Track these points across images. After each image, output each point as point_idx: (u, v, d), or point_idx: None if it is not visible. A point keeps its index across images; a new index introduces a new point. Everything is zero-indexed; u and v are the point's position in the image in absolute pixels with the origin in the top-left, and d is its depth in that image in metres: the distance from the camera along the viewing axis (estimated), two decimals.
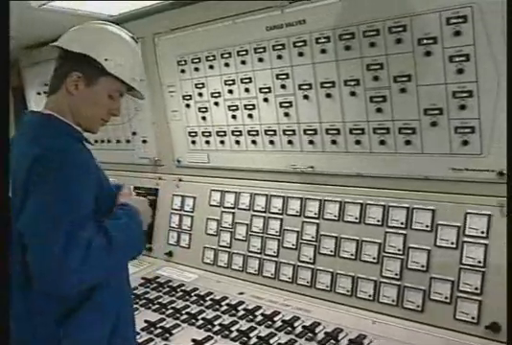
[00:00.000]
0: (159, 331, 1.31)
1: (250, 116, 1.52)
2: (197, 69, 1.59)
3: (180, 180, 1.78)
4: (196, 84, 1.61)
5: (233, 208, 1.61)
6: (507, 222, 0.88)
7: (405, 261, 1.26)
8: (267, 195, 1.54)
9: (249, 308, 1.36)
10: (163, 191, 1.82)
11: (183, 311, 1.40)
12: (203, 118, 1.65)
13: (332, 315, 1.29)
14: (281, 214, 1.50)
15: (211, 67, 1.55)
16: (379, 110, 1.26)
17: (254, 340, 1.22)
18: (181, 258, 1.72)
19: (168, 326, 1.33)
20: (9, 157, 0.64)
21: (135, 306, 1.46)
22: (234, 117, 1.56)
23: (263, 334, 1.23)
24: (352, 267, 1.34)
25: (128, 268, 0.99)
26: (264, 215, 1.53)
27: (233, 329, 1.28)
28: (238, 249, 1.58)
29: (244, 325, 1.30)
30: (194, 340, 1.23)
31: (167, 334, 1.30)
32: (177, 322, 1.36)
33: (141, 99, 1.02)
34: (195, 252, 1.69)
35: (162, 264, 1.74)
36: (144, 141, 1.87)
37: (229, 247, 1.61)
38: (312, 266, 1.42)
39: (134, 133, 1.89)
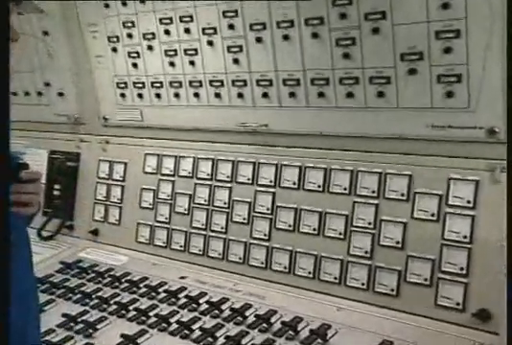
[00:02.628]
0: (81, 326, 1.21)
1: (192, 63, 1.41)
2: (124, 4, 1.44)
3: (107, 142, 1.66)
4: (124, 23, 1.47)
5: (172, 175, 1.52)
6: (507, 223, 0.78)
7: (376, 236, 1.19)
8: (212, 159, 1.45)
9: (192, 295, 1.28)
10: (86, 156, 1.70)
11: (111, 301, 1.30)
12: (134, 65, 1.51)
13: (290, 302, 1.22)
14: (230, 182, 1.42)
15: (142, 1, 1.41)
16: (346, 56, 1.17)
17: (197, 333, 1.13)
18: (110, 237, 1.62)
19: (92, 320, 1.23)
20: (9, 155, 0.55)
21: (50, 297, 1.35)
22: (172, 64, 1.44)
23: (208, 326, 1.15)
24: (314, 245, 1.27)
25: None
26: (209, 183, 1.45)
27: (172, 320, 1.19)
28: (178, 225, 1.49)
29: (185, 315, 1.22)
30: (123, 336, 1.13)
31: (90, 330, 1.19)
32: (104, 314, 1.26)
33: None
34: (126, 230, 1.59)
35: (86, 244, 1.64)
36: (60, 94, 1.70)
37: (168, 223, 1.52)
38: (266, 244, 1.34)
39: (48, 84, 1.71)
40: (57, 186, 1.71)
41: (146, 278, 1.40)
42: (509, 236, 0.67)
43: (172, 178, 1.52)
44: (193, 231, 1.47)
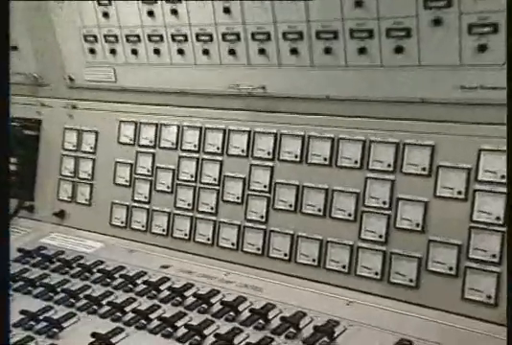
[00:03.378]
0: (43, 325, 1.19)
1: (174, 12, 1.37)
2: None
3: (74, 107, 1.64)
4: None
5: (152, 147, 1.51)
6: (507, 224, 0.83)
7: (392, 218, 1.18)
8: (200, 127, 1.44)
9: (177, 286, 1.27)
10: (49, 123, 1.68)
11: (81, 295, 1.29)
12: (105, 14, 1.48)
13: (291, 295, 1.21)
14: (220, 154, 1.40)
15: None
16: (358, 4, 1.14)
17: (183, 331, 1.12)
18: (79, 220, 1.62)
19: (56, 317, 1.21)
20: (9, 153, 0.55)
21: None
22: (151, 14, 1.40)
23: (195, 323, 1.14)
24: (319, 228, 1.26)
25: None
26: (196, 156, 1.44)
27: (153, 316, 1.18)
28: (160, 205, 1.49)
29: (168, 310, 1.21)
30: (95, 335, 1.12)
31: (54, 329, 1.18)
32: (71, 310, 1.24)
33: None
34: (98, 211, 1.59)
35: (49, 228, 1.63)
36: (14, 48, 1.64)
37: (148, 203, 1.51)
38: (263, 227, 1.34)
39: None
40: (13, 159, 1.68)
41: (122, 267, 1.40)
42: (509, 235, 0.68)
43: (152, 150, 1.51)
44: (177, 212, 1.47)
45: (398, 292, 1.17)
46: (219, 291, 1.26)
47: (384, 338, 1.05)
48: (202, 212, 1.43)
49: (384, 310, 1.15)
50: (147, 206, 1.52)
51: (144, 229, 1.52)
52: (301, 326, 1.11)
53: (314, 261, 1.27)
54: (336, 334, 1.07)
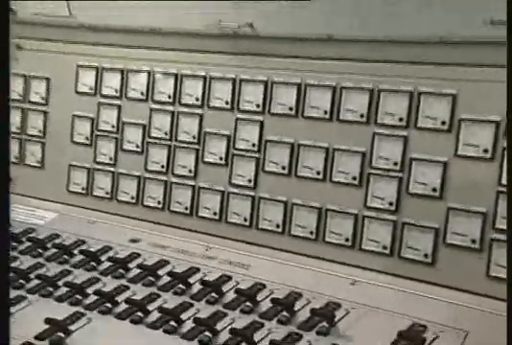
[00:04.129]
0: None
1: None
2: None
3: (20, 48, 1.61)
4: None
5: (118, 98, 1.49)
6: (507, 226, 0.86)
7: (404, 181, 1.17)
8: (175, 74, 1.42)
9: (148, 264, 1.26)
10: None
11: (32, 275, 1.28)
12: None
13: (284, 273, 1.21)
14: (200, 107, 1.39)
15: None
16: None
17: (155, 316, 1.11)
18: (28, 185, 1.60)
19: None
20: (9, 152, 0.63)
21: None
22: None
23: (170, 306, 1.13)
24: (317, 194, 1.25)
25: None
26: (171, 109, 1.43)
27: (120, 299, 1.17)
28: (128, 168, 1.48)
29: (139, 292, 1.20)
30: (49, 321, 1.10)
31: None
32: (21, 293, 1.23)
33: None
34: (53, 175, 1.58)
35: None
36: None
37: (113, 165, 1.50)
38: (251, 194, 1.33)
39: None
40: None
41: (82, 242, 1.39)
42: (509, 235, 0.76)
43: (117, 102, 1.50)
44: (148, 176, 1.46)
45: (411, 270, 1.17)
46: (198, 269, 1.25)
47: (394, 323, 1.04)
48: (178, 176, 1.42)
49: (395, 291, 1.14)
50: (111, 169, 1.51)
51: (108, 196, 1.51)
52: (296, 309, 1.10)
53: (311, 233, 1.27)
54: (336, 319, 1.06)
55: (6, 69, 0.49)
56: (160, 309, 1.12)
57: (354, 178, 1.22)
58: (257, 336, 1.03)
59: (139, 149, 1.47)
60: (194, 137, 1.40)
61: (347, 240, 1.23)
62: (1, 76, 0.49)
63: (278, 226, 1.30)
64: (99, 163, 1.53)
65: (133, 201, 1.48)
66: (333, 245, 1.24)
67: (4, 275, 0.52)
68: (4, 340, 0.52)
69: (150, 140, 1.46)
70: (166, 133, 1.43)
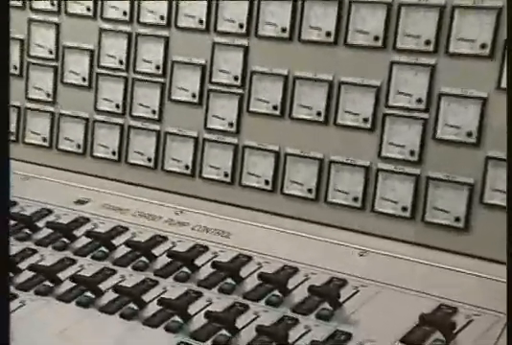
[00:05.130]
0: None
1: None
2: None
3: None
4: None
5: (56, 13, 1.48)
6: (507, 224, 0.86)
7: (430, 123, 1.15)
8: None
9: (100, 231, 1.26)
10: None
11: None
12: None
13: (274, 242, 1.21)
14: (165, 27, 1.37)
15: None
16: None
17: (110, 297, 1.10)
18: None
19: None
20: (9, 151, 0.69)
21: None
22: None
23: (130, 284, 1.12)
24: (318, 141, 1.25)
25: None
26: (127, 29, 1.41)
27: (63, 276, 1.16)
28: (71, 108, 1.47)
29: (88, 267, 1.19)
30: None
31: None
32: None
33: None
34: None
35: None
36: None
37: (51, 103, 1.50)
38: (233, 141, 1.32)
39: None
40: None
41: (13, 203, 1.37)
42: (509, 235, 0.83)
43: (54, 19, 1.48)
44: (98, 118, 1.45)
45: (437, 237, 1.16)
46: (165, 238, 1.24)
47: (416, 304, 1.03)
48: (138, 118, 1.41)
49: (416, 264, 1.14)
50: (50, 108, 1.50)
51: (46, 145, 1.50)
52: (290, 287, 1.08)
53: (309, 192, 1.25)
54: (342, 299, 1.04)
55: (5, 68, 0.57)
56: (116, 288, 1.11)
57: (365, 120, 1.21)
58: (241, 322, 1.02)
59: (85, 83, 1.45)
60: (157, 67, 1.38)
61: (356, 199, 1.22)
62: (1, 75, 0.57)
63: (268, 183, 1.29)
64: (32, 100, 1.52)
65: (80, 151, 1.47)
66: (338, 207, 1.24)
67: (4, 275, 0.60)
68: (4, 340, 0.60)
69: (100, 71, 1.44)
70: (121, 62, 1.41)
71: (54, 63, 1.47)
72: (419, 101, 1.16)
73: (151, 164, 1.41)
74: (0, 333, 0.59)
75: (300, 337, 0.98)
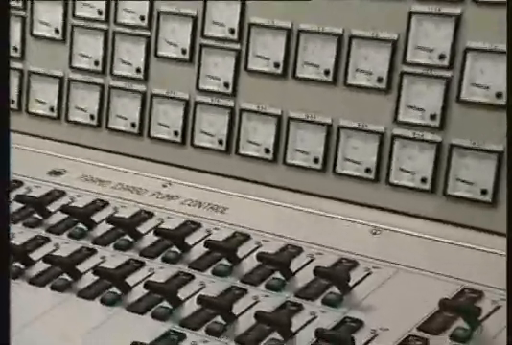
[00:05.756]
0: None
1: None
2: None
3: None
4: None
5: None
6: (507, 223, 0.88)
7: (454, 82, 1.14)
8: None
9: (78, 206, 1.26)
10: None
11: None
12: None
13: (275, 218, 1.21)
14: None
15: None
16: None
17: (89, 280, 1.11)
18: None
19: None
20: (9, 151, 0.69)
21: None
22: None
23: (111, 265, 1.12)
24: (326, 105, 1.24)
25: None
26: None
27: (35, 257, 1.17)
28: (43, 64, 1.47)
29: (63, 246, 1.20)
30: None
31: None
32: None
33: None
34: None
35: None
36: None
37: (20, 59, 1.50)
38: (228, 103, 1.32)
39: None
40: None
41: None
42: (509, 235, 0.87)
43: None
44: (74, 77, 1.44)
45: (460, 212, 1.16)
46: (152, 214, 1.24)
47: (436, 288, 1.03)
48: (120, 77, 1.40)
49: (436, 243, 1.13)
50: (18, 65, 1.50)
51: (14, 107, 1.50)
52: (293, 269, 1.08)
53: (315, 161, 1.25)
54: (351, 283, 1.04)
55: (5, 68, 0.60)
56: (96, 270, 1.11)
57: (378, 79, 1.20)
58: (238, 308, 1.02)
59: (59, 36, 1.45)
60: (142, 18, 1.37)
61: (368, 170, 1.21)
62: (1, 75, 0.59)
63: (268, 152, 1.29)
64: None
65: (54, 115, 1.47)
66: (348, 179, 1.23)
67: (4, 275, 0.62)
68: (4, 340, 0.63)
69: (75, 22, 1.43)
70: (100, 12, 1.41)
71: (22, 13, 1.46)
72: (442, 57, 1.15)
73: (136, 130, 1.40)
74: (0, 333, 0.63)
75: (305, 325, 0.98)
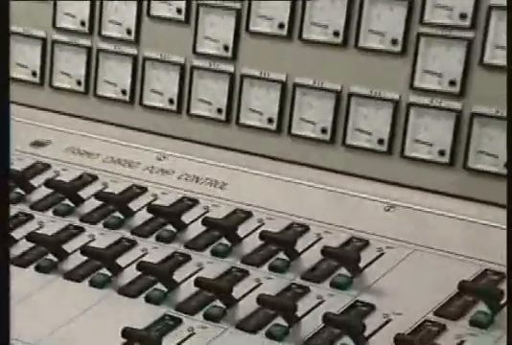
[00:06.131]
0: None
1: None
2: None
3: None
4: None
5: None
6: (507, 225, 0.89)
7: (477, 44, 1.14)
8: None
9: (64, 180, 1.26)
10: None
11: None
12: None
13: (279, 194, 1.22)
14: None
15: None
16: None
17: (77, 260, 1.11)
18: None
19: None
20: (9, 152, 0.66)
21: None
22: None
23: (101, 245, 1.14)
24: (334, 70, 1.24)
25: None
26: None
27: (18, 235, 1.17)
28: (24, 24, 1.47)
29: (48, 224, 1.20)
30: None
31: None
32: None
33: None
34: None
35: None
36: None
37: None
38: (228, 68, 1.32)
39: None
40: None
41: None
42: (509, 236, 0.87)
43: None
44: (59, 38, 1.44)
45: (482, 187, 1.16)
46: (145, 189, 1.25)
47: (455, 269, 1.03)
48: (109, 38, 1.40)
49: (456, 221, 1.13)
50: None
51: None
52: (299, 249, 1.09)
53: (323, 132, 1.25)
54: (362, 264, 1.05)
55: (5, 68, 0.61)
56: (84, 250, 1.11)
57: (395, 42, 1.19)
58: (239, 291, 1.02)
59: None
60: None
61: (381, 142, 1.21)
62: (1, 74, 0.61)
63: (271, 122, 1.29)
64: None
65: (36, 80, 1.47)
66: (359, 151, 1.23)
67: (4, 275, 0.65)
68: (4, 340, 0.65)
69: None
70: None
71: None
72: (463, 16, 1.15)
73: (127, 97, 1.40)
74: (0, 332, 0.65)
75: (311, 309, 0.98)
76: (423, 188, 1.19)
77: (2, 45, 0.59)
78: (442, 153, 1.18)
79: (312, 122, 1.26)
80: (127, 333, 0.93)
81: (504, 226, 1.06)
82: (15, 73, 1.48)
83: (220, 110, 1.33)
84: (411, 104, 1.19)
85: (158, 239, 1.15)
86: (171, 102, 1.36)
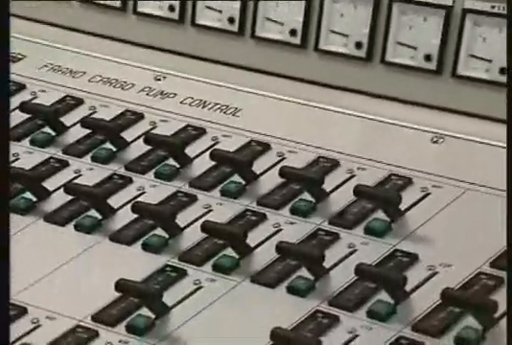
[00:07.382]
0: None
1: None
2: None
3: None
4: None
5: None
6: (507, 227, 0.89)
7: None
8: None
9: (44, 103, 1.28)
10: None
11: None
12: None
13: (304, 123, 1.23)
14: None
15: None
16: None
17: (58, 201, 1.13)
18: None
19: None
20: (9, 153, 0.70)
21: None
22: None
23: (88, 182, 1.14)
24: None
25: None
26: None
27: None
28: None
29: (27, 157, 1.23)
30: None
31: None
32: None
33: None
34: None
35: None
36: None
37: None
38: None
39: None
40: None
41: None
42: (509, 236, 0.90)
43: None
44: None
45: None
46: (141, 115, 1.26)
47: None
48: None
49: None
50: None
51: None
52: (327, 188, 1.10)
53: (357, 46, 1.25)
54: (404, 205, 1.05)
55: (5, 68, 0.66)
56: (68, 187, 1.12)
57: None
58: (254, 238, 1.02)
59: None
60: None
61: (428, 58, 1.21)
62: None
63: (294, 34, 1.29)
64: None
65: None
66: (400, 70, 1.24)
67: (4, 275, 0.66)
68: (4, 341, 0.68)
69: None
70: None
71: None
72: None
73: (118, 3, 1.40)
74: (0, 332, 0.67)
75: (341, 260, 0.99)
76: (477, 114, 1.20)
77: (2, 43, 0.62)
78: (503, 72, 1.17)
79: (344, 35, 1.26)
80: (121, 285, 0.92)
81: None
82: None
83: (231, 20, 1.32)
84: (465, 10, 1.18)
85: (157, 175, 1.16)
86: (171, 9, 1.36)
